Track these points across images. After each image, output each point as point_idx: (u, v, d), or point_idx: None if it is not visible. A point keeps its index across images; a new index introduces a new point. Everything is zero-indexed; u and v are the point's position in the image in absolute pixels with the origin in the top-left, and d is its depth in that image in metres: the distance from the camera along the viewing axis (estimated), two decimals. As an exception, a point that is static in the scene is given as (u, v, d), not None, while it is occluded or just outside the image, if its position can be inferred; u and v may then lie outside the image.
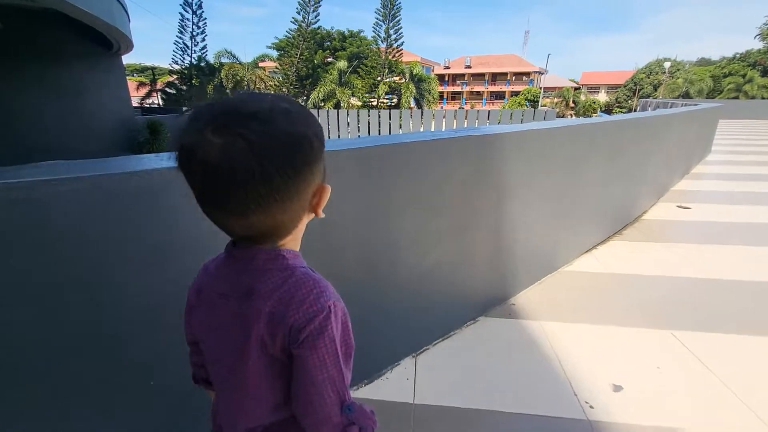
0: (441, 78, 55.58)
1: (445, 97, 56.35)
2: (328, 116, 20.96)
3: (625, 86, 45.86)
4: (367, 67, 28.58)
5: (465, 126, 19.77)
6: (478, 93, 56.59)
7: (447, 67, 58.25)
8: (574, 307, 2.64)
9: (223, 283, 0.60)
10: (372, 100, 29.23)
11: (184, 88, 29.36)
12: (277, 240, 0.57)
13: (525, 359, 2.13)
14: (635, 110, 27.58)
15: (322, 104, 25.53)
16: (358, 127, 20.76)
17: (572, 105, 42.26)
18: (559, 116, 27.73)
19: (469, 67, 55.94)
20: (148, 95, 29.93)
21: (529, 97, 42.08)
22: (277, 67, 31.16)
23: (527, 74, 52.59)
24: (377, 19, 28.10)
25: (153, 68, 35.34)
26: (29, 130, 10.62)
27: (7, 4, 7.99)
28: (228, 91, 27.44)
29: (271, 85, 28.73)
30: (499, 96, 54.90)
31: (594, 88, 55.11)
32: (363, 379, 1.93)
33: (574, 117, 34.56)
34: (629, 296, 2.82)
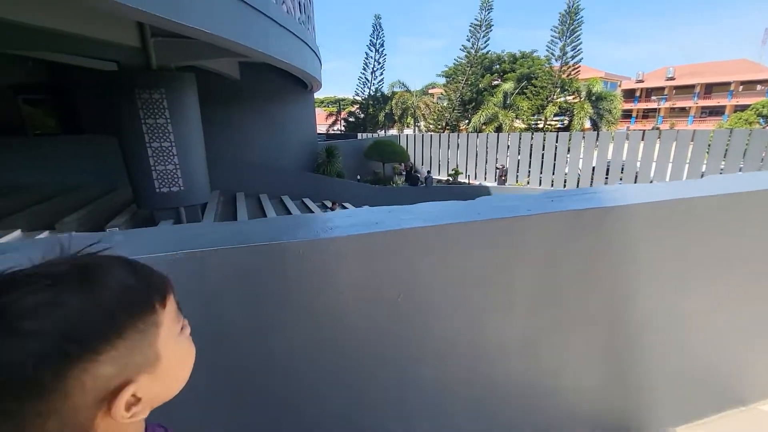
0: (630, 93, 47.68)
1: (633, 115, 48.02)
2: (487, 140, 20.55)
3: None
4: (535, 87, 26.90)
5: (656, 149, 16.24)
6: (682, 109, 46.07)
7: (640, 81, 49.60)
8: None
9: None
10: (539, 122, 27.26)
11: (362, 116, 33.68)
12: None
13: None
14: None
15: (483, 127, 25.20)
16: (519, 149, 19.60)
17: None
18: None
19: (671, 78, 46.25)
20: (334, 123, 35.53)
21: (765, 113, 31.82)
22: (442, 93, 32.47)
23: (764, 82, 39.91)
24: (553, 36, 26.24)
25: (340, 100, 41.84)
26: (250, 152, 14.00)
27: (241, 61, 10.70)
28: (396, 117, 30.05)
29: (434, 110, 30.06)
30: (715, 112, 43.39)
31: None
32: None
33: None
34: None
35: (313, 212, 12.34)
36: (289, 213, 11.61)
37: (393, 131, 31.64)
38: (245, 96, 13.43)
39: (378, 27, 31.17)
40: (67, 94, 11.15)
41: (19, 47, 6.91)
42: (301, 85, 14.31)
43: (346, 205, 14.09)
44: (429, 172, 17.63)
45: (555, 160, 18.81)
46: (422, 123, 30.66)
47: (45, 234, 6.38)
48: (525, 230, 1.21)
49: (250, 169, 13.57)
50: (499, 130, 23.99)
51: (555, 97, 26.49)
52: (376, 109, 32.38)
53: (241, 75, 12.12)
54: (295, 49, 8.46)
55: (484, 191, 16.94)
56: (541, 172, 19.27)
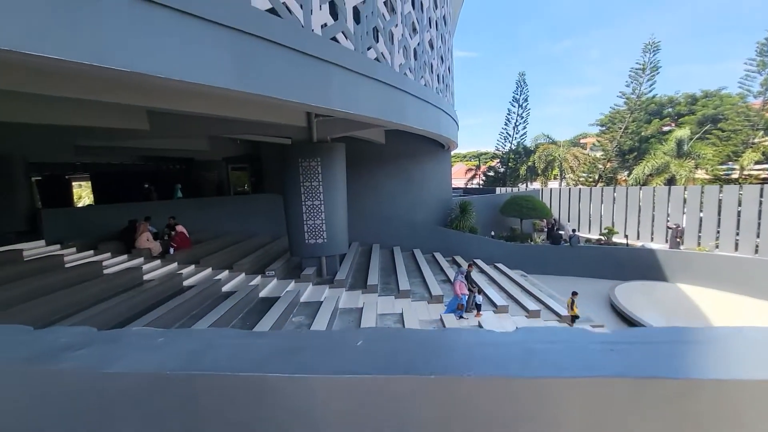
0: None
1: None
2: (654, 194, 17.44)
3: None
4: (724, 131, 21.97)
5: None
6: None
7: None
8: None
9: None
10: (732, 172, 21.85)
11: (501, 170, 33.04)
12: None
13: None
14: None
15: (649, 179, 21.54)
16: (701, 205, 15.93)
17: None
18: None
19: None
20: (473, 177, 35.70)
21: None
22: (595, 143, 29.48)
23: None
24: (748, 71, 21.46)
25: (480, 155, 42.12)
26: (388, 206, 15.26)
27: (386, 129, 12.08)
28: (539, 170, 28.41)
29: (585, 162, 27.36)
30: None
31: None
32: None
33: None
34: None
35: (441, 266, 12.38)
36: (419, 266, 11.92)
37: (536, 185, 29.87)
38: (387, 157, 14.95)
39: (522, 83, 31.06)
40: (258, 162, 14.41)
41: (235, 133, 9.49)
42: (438, 145, 15.14)
43: (479, 262, 13.68)
44: (574, 230, 15.79)
45: (760, 219, 14.56)
46: (570, 176, 28.11)
47: (225, 273, 8.14)
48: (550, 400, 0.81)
49: (387, 222, 14.71)
50: (671, 182, 20.13)
51: (756, 140, 21.03)
52: (518, 162, 31.37)
53: (386, 139, 13.66)
54: (432, 116, 9.16)
55: (647, 255, 14.12)
56: (737, 234, 15.11)
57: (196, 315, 5.79)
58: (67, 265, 6.92)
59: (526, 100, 31.09)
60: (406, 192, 15.55)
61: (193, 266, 8.21)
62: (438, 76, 10.02)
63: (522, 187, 29.91)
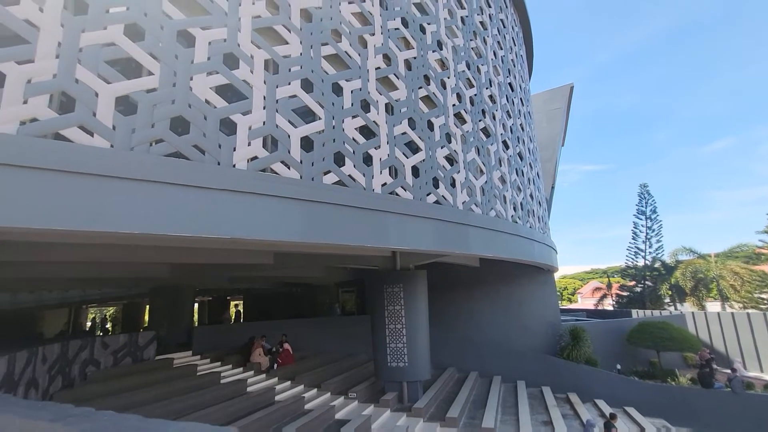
0: None
1: None
2: None
3: None
4: None
5: None
6: None
7: None
8: None
9: None
10: None
11: (637, 290, 28.48)
12: None
13: None
14: None
15: None
16: None
17: None
18: None
19: None
20: (603, 298, 31.34)
21: None
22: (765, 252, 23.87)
23: None
24: None
25: (609, 273, 37.32)
26: (485, 331, 14.69)
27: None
28: (687, 290, 23.68)
29: (751, 280, 21.98)
30: None
31: None
32: None
33: None
34: None
35: (546, 404, 10.82)
36: (517, 401, 10.72)
37: (686, 306, 24.52)
38: (484, 280, 15.00)
39: (645, 194, 28.72)
40: (360, 286, 16.08)
41: (335, 264, 11.34)
42: (536, 267, 14.70)
43: (600, 403, 11.49)
44: (735, 369, 12.04)
45: None
46: (733, 296, 22.57)
47: (313, 391, 8.91)
48: None
49: (485, 348, 13.97)
50: None
51: None
52: (657, 281, 26.87)
53: (480, 262, 14.02)
54: (506, 243, 9.52)
55: None
56: None
57: (276, 429, 6.52)
58: (198, 373, 8.72)
59: (654, 211, 28.23)
60: (506, 316, 14.89)
61: (288, 382, 9.27)
62: (515, 204, 10.62)
63: (672, 310, 24.91)
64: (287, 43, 5.74)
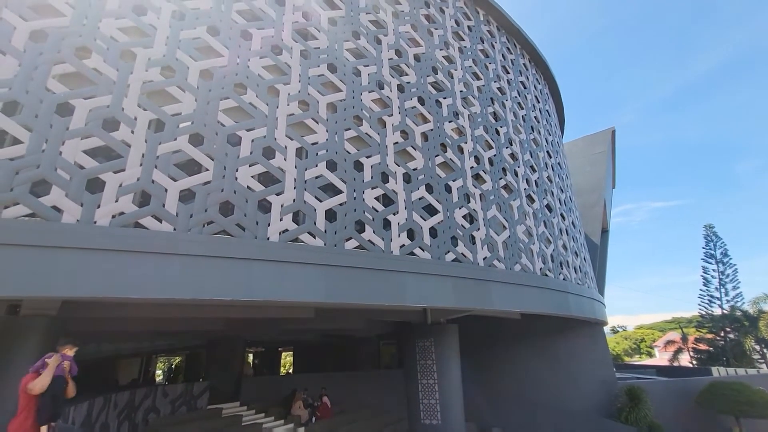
0: None
1: None
2: None
3: None
4: None
5: None
6: None
7: None
8: None
9: None
10: None
11: (718, 343, 25.23)
12: None
13: None
14: None
15: None
16: None
17: None
18: None
19: None
20: (678, 352, 28.01)
21: None
22: None
23: None
24: None
25: (683, 325, 33.46)
26: (532, 388, 14.00)
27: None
28: (776, 345, 20.69)
29: None
30: None
31: None
32: None
33: None
34: None
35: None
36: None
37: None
38: (525, 333, 14.53)
39: (712, 237, 26.40)
40: (398, 339, 16.22)
41: (370, 317, 11.87)
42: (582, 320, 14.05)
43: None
44: None
45: None
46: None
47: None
48: None
49: (530, 407, 13.28)
50: None
51: None
52: (739, 333, 23.79)
53: (522, 314, 13.74)
54: (533, 296, 9.51)
55: None
56: None
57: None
58: (243, 423, 9.37)
59: (725, 254, 25.75)
60: (553, 371, 14.08)
61: (324, 436, 9.59)
62: (544, 257, 10.66)
63: (763, 367, 21.76)
64: (315, 132, 6.91)
